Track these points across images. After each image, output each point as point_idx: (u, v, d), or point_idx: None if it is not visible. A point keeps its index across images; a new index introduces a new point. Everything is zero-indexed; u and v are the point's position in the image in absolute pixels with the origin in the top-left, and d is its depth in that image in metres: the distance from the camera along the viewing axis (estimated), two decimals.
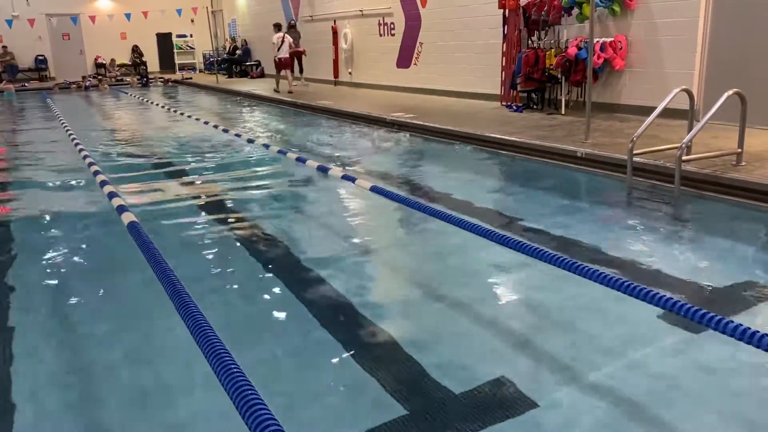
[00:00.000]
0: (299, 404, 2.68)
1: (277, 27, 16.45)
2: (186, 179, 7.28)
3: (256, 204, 6.10)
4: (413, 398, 2.66)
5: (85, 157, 7.67)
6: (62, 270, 4.41)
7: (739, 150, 5.78)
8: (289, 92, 15.47)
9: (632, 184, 5.90)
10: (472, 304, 3.65)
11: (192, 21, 25.06)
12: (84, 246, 4.94)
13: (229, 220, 5.51)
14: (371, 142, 9.22)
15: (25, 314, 3.67)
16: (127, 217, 4.07)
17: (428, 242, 4.93)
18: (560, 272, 3.09)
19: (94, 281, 4.17)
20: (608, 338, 3.17)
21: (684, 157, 5.53)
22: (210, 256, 4.64)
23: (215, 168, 7.77)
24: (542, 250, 3.25)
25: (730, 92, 5.55)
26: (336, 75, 17.31)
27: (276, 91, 15.93)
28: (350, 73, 16.65)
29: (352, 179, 5.93)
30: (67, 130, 10.51)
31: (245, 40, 23.39)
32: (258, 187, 6.77)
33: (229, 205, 6.00)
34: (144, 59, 25.13)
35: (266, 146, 8.80)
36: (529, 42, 10.31)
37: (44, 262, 4.55)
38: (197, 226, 5.43)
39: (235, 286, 4.05)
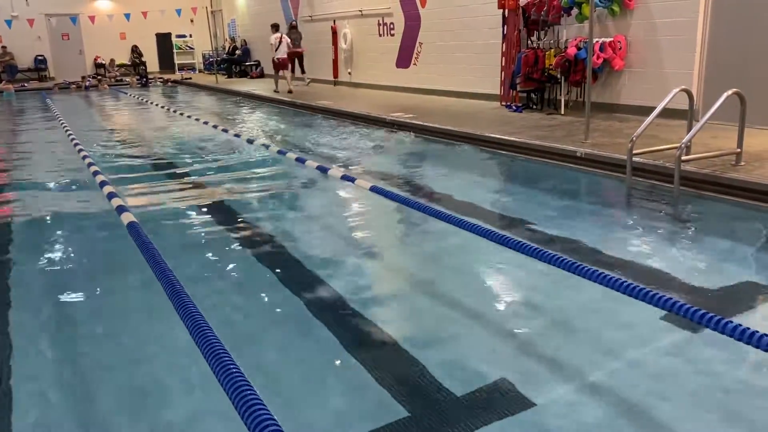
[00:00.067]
0: (299, 405, 2.68)
1: (275, 27, 16.46)
2: (185, 179, 7.28)
3: (255, 204, 6.10)
4: (414, 399, 2.66)
5: (84, 157, 7.67)
6: (62, 270, 4.42)
7: (739, 150, 5.78)
8: (289, 92, 15.47)
9: (632, 184, 5.90)
10: (471, 304, 3.65)
11: (191, 21, 25.07)
12: (83, 246, 4.94)
13: (229, 220, 5.51)
14: (371, 142, 9.21)
15: (24, 315, 3.67)
16: (127, 218, 4.08)
17: (428, 242, 4.93)
18: (560, 272, 3.10)
19: (94, 281, 4.17)
20: (607, 338, 3.17)
21: (683, 157, 5.53)
22: (209, 257, 4.64)
23: (215, 168, 7.77)
24: (542, 250, 3.25)
25: (730, 92, 5.55)
26: (335, 75, 17.31)
27: (275, 91, 15.94)
28: (350, 73, 16.65)
29: (352, 179, 5.94)
30: (67, 131, 10.51)
31: (245, 40, 23.39)
32: (257, 187, 6.77)
33: (228, 206, 6.00)
34: (143, 59, 25.11)
35: (266, 146, 8.80)
36: (529, 42, 10.32)
37: (44, 262, 4.55)
38: (196, 227, 5.43)
39: (234, 287, 4.05)
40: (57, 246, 4.93)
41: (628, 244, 4.62)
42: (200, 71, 26.11)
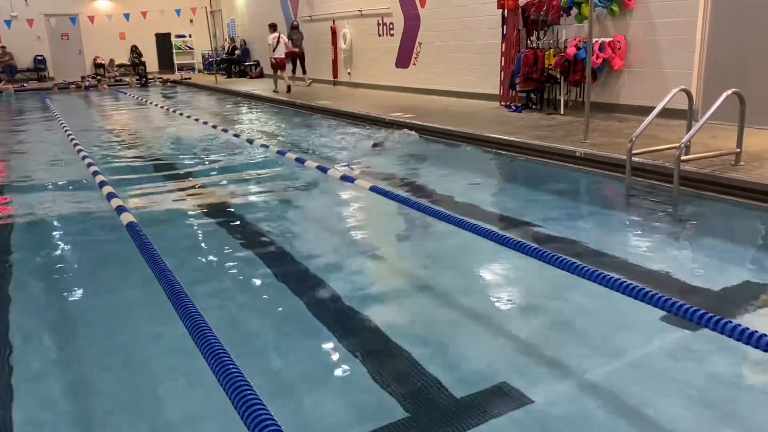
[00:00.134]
0: (298, 405, 2.68)
1: (273, 27, 16.48)
2: (185, 180, 7.27)
3: (254, 204, 6.10)
4: (413, 399, 2.66)
5: (84, 157, 7.67)
6: (61, 270, 4.41)
7: (738, 150, 5.79)
8: (288, 90, 15.52)
9: (631, 183, 5.90)
10: (470, 303, 3.65)
11: (191, 21, 25.06)
12: (83, 246, 4.94)
13: (228, 220, 5.51)
14: (370, 142, 9.20)
15: (23, 315, 3.67)
16: (126, 218, 4.07)
17: (428, 242, 4.93)
18: (559, 272, 3.09)
19: (93, 281, 4.17)
20: (607, 338, 3.17)
21: (683, 157, 5.53)
22: (209, 256, 4.64)
23: (214, 168, 7.77)
24: (541, 250, 3.25)
25: (729, 92, 5.55)
26: (335, 75, 17.31)
27: (275, 91, 15.95)
28: (349, 73, 16.65)
29: (352, 179, 5.93)
30: (66, 131, 10.50)
31: (244, 41, 23.39)
32: (257, 187, 6.77)
33: (227, 206, 6.00)
34: (143, 59, 25.10)
35: (265, 146, 8.80)
36: (528, 42, 10.32)
37: (43, 262, 4.55)
38: (196, 227, 5.43)
39: (234, 287, 4.05)
40: (56, 246, 4.94)
41: (628, 244, 4.62)
42: (199, 71, 26.11)
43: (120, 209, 4.46)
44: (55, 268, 4.47)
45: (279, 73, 16.04)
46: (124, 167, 8.01)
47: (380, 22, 14.85)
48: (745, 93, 5.70)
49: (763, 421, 2.49)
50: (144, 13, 22.05)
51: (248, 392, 1.81)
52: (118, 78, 23.71)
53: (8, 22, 21.28)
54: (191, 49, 26.70)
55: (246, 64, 22.97)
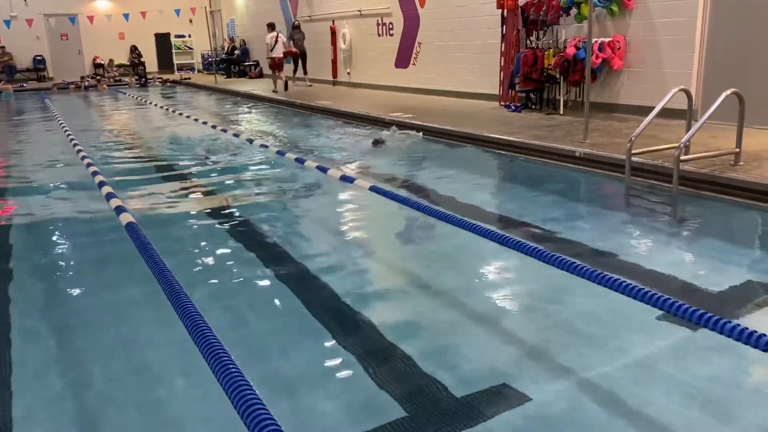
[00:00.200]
0: (298, 404, 2.68)
1: (271, 27, 16.51)
2: (184, 180, 7.27)
3: (254, 204, 6.10)
4: (411, 399, 2.66)
5: (83, 158, 7.67)
6: (60, 270, 4.42)
7: (737, 150, 5.79)
8: (285, 88, 15.57)
9: (630, 183, 5.90)
10: (470, 303, 3.65)
11: (190, 21, 25.05)
12: (82, 246, 4.94)
13: (228, 220, 5.51)
14: (370, 142, 9.19)
15: (22, 315, 3.67)
16: (125, 218, 4.07)
17: (427, 242, 4.93)
18: (558, 272, 3.10)
19: (92, 281, 4.17)
20: (606, 338, 3.17)
21: (682, 157, 5.53)
22: (209, 257, 4.64)
23: (214, 168, 7.77)
24: (541, 250, 3.25)
25: (728, 92, 5.56)
26: (334, 75, 17.31)
27: (274, 91, 15.96)
28: (349, 73, 16.65)
29: (351, 179, 5.94)
30: (66, 131, 10.50)
31: (244, 41, 23.39)
32: (256, 188, 6.77)
33: (227, 206, 6.00)
34: (142, 59, 25.10)
35: (265, 146, 8.80)
36: (528, 42, 10.32)
37: (42, 262, 4.55)
38: (196, 227, 5.43)
39: (233, 287, 4.04)
40: (55, 247, 4.94)
41: (627, 244, 4.62)
42: (199, 71, 26.10)
43: (119, 209, 4.46)
44: (54, 268, 4.46)
45: (277, 72, 16.07)
46: (124, 167, 8.00)
47: (380, 22, 14.85)
48: (744, 93, 5.71)
49: (763, 421, 2.49)
50: (143, 13, 22.05)
51: (248, 392, 1.81)
52: (117, 78, 23.70)
53: (8, 22, 21.27)
54: (191, 49, 26.70)
55: (245, 64, 22.97)
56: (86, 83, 21.91)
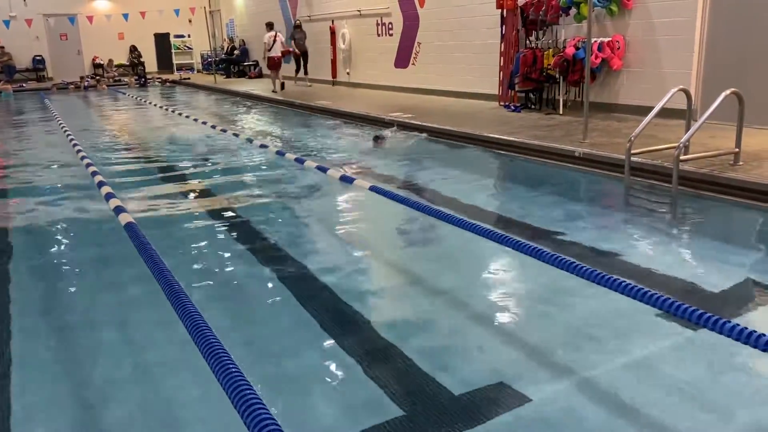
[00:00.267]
0: (297, 404, 2.68)
1: (270, 26, 16.53)
2: (183, 180, 7.27)
3: (254, 204, 6.09)
4: (410, 398, 2.66)
5: (83, 158, 7.67)
6: (60, 271, 4.41)
7: (737, 150, 5.79)
8: (282, 88, 15.63)
9: (630, 183, 5.91)
10: (468, 302, 3.65)
11: (190, 21, 25.04)
12: (82, 246, 4.94)
13: (228, 220, 5.51)
14: (369, 142, 9.20)
15: (22, 316, 3.67)
16: (125, 218, 4.07)
17: (426, 242, 4.93)
18: (557, 272, 3.10)
19: (92, 281, 4.17)
20: (605, 338, 3.17)
21: (681, 157, 5.54)
22: (208, 257, 4.64)
23: (213, 168, 7.77)
24: (540, 249, 3.25)
25: (728, 92, 5.56)
26: (334, 75, 17.31)
27: (274, 91, 15.96)
28: (348, 73, 16.65)
29: (351, 179, 5.94)
30: (65, 131, 10.49)
31: (243, 41, 23.39)
32: (256, 188, 6.77)
33: (227, 206, 5.99)
34: (142, 59, 25.09)
35: (264, 146, 8.80)
36: (527, 42, 10.32)
37: (42, 263, 4.55)
38: (195, 227, 5.42)
39: (232, 287, 4.05)
40: (55, 247, 4.93)
41: (626, 244, 4.62)
42: (198, 71, 26.10)
43: (118, 209, 4.46)
44: (53, 268, 4.46)
45: (274, 72, 16.12)
46: (123, 167, 8.00)
47: (379, 22, 14.86)
48: (743, 93, 5.71)
49: (763, 422, 2.49)
50: (143, 13, 22.04)
51: (248, 392, 1.81)
52: (117, 78, 23.69)
53: (7, 23, 21.26)
54: (190, 49, 26.69)
55: (245, 64, 22.96)
56: (86, 83, 21.90)
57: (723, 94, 5.54)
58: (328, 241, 4.99)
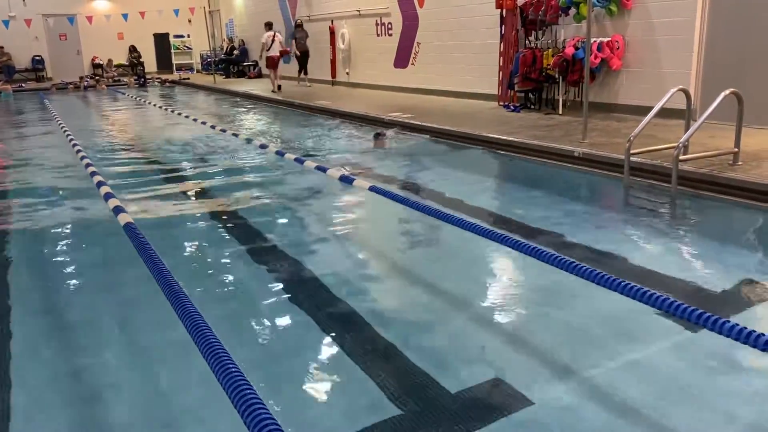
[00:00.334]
0: (296, 403, 2.69)
1: (269, 26, 16.55)
2: (183, 180, 7.27)
3: (253, 204, 6.09)
4: (409, 398, 2.66)
5: (82, 158, 7.66)
6: (59, 271, 4.41)
7: (736, 149, 5.79)
8: (278, 88, 15.67)
9: (629, 183, 5.91)
10: (468, 302, 3.65)
11: (189, 21, 25.02)
12: (81, 246, 4.94)
13: (227, 221, 5.51)
14: (368, 142, 9.20)
15: (22, 316, 3.67)
16: (124, 218, 4.07)
17: (425, 241, 4.93)
18: (557, 271, 3.10)
19: (91, 282, 4.17)
20: (605, 338, 3.17)
21: (681, 157, 5.54)
22: (207, 257, 4.64)
23: (212, 169, 7.76)
24: (539, 249, 3.25)
25: (727, 92, 5.56)
26: (333, 75, 17.31)
27: (273, 92, 15.96)
28: (347, 73, 16.65)
29: (351, 179, 5.93)
30: (65, 131, 10.49)
31: (242, 41, 23.38)
32: (255, 188, 6.77)
33: (226, 206, 5.99)
34: (141, 59, 25.07)
35: (264, 147, 8.79)
36: (527, 42, 10.32)
37: (42, 263, 4.55)
38: (194, 228, 5.43)
39: (232, 287, 4.05)
40: (54, 247, 4.93)
41: (625, 243, 4.62)
42: (198, 71, 26.10)
43: (117, 209, 4.45)
44: (53, 269, 4.46)
45: (272, 71, 16.17)
46: (122, 167, 8.00)
47: (379, 22, 14.85)
48: (743, 93, 5.71)
49: (763, 421, 2.49)
50: (142, 14, 22.03)
51: (248, 392, 1.81)
52: (116, 78, 23.67)
53: (6, 23, 21.25)
54: (189, 49, 26.68)
55: (244, 64, 22.96)
56: (85, 83, 21.90)
57: (722, 94, 5.54)
58: (328, 241, 4.98)
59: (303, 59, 16.89)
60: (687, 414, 2.54)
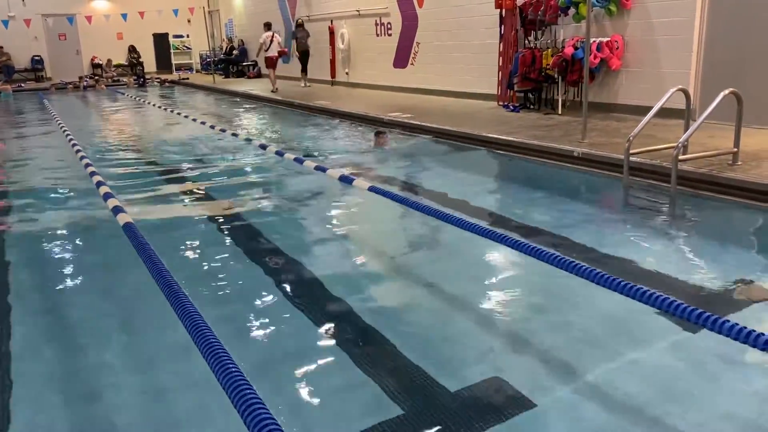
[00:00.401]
0: (296, 403, 2.69)
1: (267, 26, 16.58)
2: (182, 180, 7.26)
3: (252, 204, 6.09)
4: (410, 398, 2.66)
5: (81, 158, 7.66)
6: (59, 272, 4.41)
7: (735, 149, 5.80)
8: (276, 90, 15.66)
9: (629, 183, 5.91)
10: (468, 303, 3.65)
11: (189, 21, 25.02)
12: (82, 247, 4.94)
13: (225, 220, 5.50)
14: (367, 142, 9.20)
15: (22, 316, 3.67)
16: (123, 218, 4.07)
17: (424, 241, 4.93)
18: (557, 271, 3.10)
19: (91, 282, 4.17)
20: (605, 338, 3.17)
21: (680, 157, 5.54)
22: (206, 257, 4.63)
23: (212, 169, 7.76)
24: (539, 249, 3.25)
25: (726, 92, 5.57)
26: (333, 75, 17.31)
27: (272, 91, 15.96)
28: (347, 73, 16.65)
29: (350, 179, 5.93)
30: (64, 131, 10.48)
31: (242, 41, 23.37)
32: (255, 188, 6.77)
33: (225, 206, 5.99)
34: (141, 59, 25.06)
35: (263, 147, 8.79)
36: (526, 42, 10.33)
37: (41, 263, 4.55)
38: (193, 228, 5.42)
39: (230, 287, 4.04)
40: (54, 247, 4.92)
41: (625, 243, 4.63)
42: (197, 71, 26.08)
43: (116, 209, 4.45)
44: (52, 269, 4.46)
45: (271, 70, 16.22)
46: (121, 167, 7.99)
47: (378, 22, 14.85)
48: (742, 93, 5.72)
49: (763, 421, 2.49)
50: (141, 14, 22.02)
51: (248, 392, 1.81)
52: (115, 78, 23.66)
53: (5, 22, 21.24)
54: (189, 49, 26.68)
55: (244, 64, 22.95)
56: (84, 83, 21.88)
57: (721, 94, 5.54)
58: (328, 241, 4.98)
59: (304, 59, 16.89)
60: (687, 414, 2.54)
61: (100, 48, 24.63)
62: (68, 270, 4.45)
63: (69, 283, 4.20)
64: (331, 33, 16.88)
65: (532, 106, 10.28)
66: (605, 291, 2.82)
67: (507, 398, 2.64)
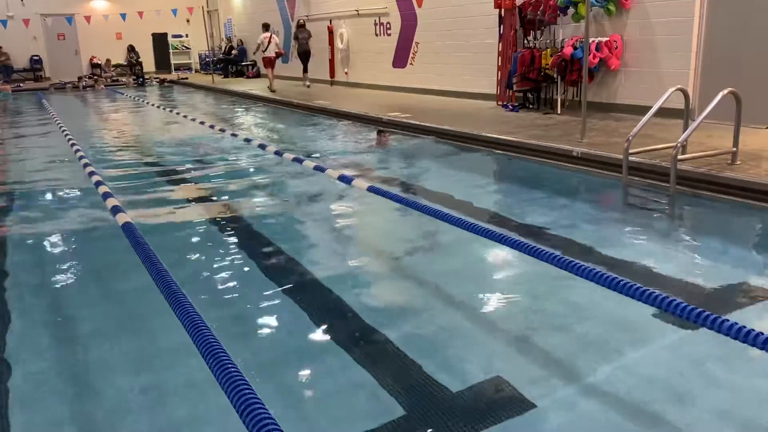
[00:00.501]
0: (296, 404, 2.68)
1: (266, 27, 16.61)
2: (181, 180, 7.26)
3: (251, 204, 6.09)
4: (412, 399, 2.66)
5: (80, 158, 7.65)
6: (57, 270, 4.40)
7: (734, 149, 5.80)
8: (274, 90, 15.66)
9: (628, 183, 5.91)
10: (468, 303, 3.65)
11: (188, 21, 25.03)
12: (80, 247, 4.93)
13: (224, 220, 5.50)
14: (367, 142, 9.21)
15: (22, 316, 3.66)
16: (122, 218, 4.06)
17: (425, 241, 4.93)
18: (557, 271, 3.10)
19: (91, 282, 4.16)
20: (605, 337, 3.17)
21: (679, 156, 5.55)
22: (205, 257, 4.63)
23: (210, 168, 7.76)
24: (539, 248, 3.25)
25: (725, 91, 5.57)
26: (332, 75, 17.30)
27: (272, 91, 15.96)
28: (346, 73, 16.65)
29: (349, 179, 5.93)
30: (64, 131, 10.47)
31: (241, 40, 23.37)
32: (254, 188, 6.77)
33: (224, 206, 5.99)
34: (140, 59, 25.04)
35: (262, 146, 8.79)
36: (525, 42, 10.33)
37: (40, 263, 4.54)
38: (192, 228, 5.42)
39: (231, 287, 4.04)
40: (53, 247, 4.92)
41: (624, 242, 4.63)
42: (196, 71, 26.07)
43: (115, 209, 4.45)
44: (51, 269, 4.45)
45: (269, 71, 16.25)
46: (121, 167, 7.99)
47: (377, 21, 14.85)
48: (741, 92, 5.72)
49: (763, 421, 2.50)
50: (140, 13, 22.02)
51: (248, 392, 1.81)
52: (114, 78, 23.64)
53: (4, 22, 21.23)
54: (188, 49, 26.67)
55: (243, 64, 22.95)
56: (83, 83, 21.87)
57: (720, 94, 5.55)
58: (327, 241, 4.98)
59: (304, 59, 16.88)
60: (687, 413, 2.54)
61: (99, 48, 24.60)
62: (67, 270, 4.44)
63: (67, 282, 4.19)
64: (330, 33, 16.88)
65: (531, 106, 10.28)
66: (605, 291, 2.82)
67: (507, 398, 2.64)
